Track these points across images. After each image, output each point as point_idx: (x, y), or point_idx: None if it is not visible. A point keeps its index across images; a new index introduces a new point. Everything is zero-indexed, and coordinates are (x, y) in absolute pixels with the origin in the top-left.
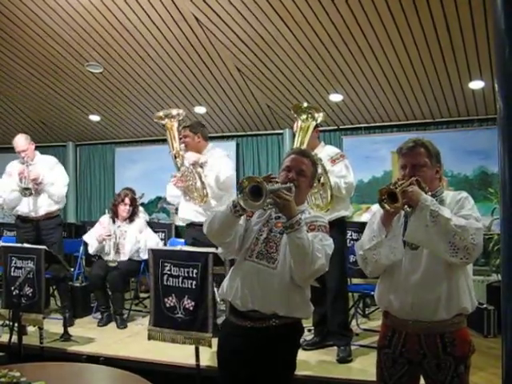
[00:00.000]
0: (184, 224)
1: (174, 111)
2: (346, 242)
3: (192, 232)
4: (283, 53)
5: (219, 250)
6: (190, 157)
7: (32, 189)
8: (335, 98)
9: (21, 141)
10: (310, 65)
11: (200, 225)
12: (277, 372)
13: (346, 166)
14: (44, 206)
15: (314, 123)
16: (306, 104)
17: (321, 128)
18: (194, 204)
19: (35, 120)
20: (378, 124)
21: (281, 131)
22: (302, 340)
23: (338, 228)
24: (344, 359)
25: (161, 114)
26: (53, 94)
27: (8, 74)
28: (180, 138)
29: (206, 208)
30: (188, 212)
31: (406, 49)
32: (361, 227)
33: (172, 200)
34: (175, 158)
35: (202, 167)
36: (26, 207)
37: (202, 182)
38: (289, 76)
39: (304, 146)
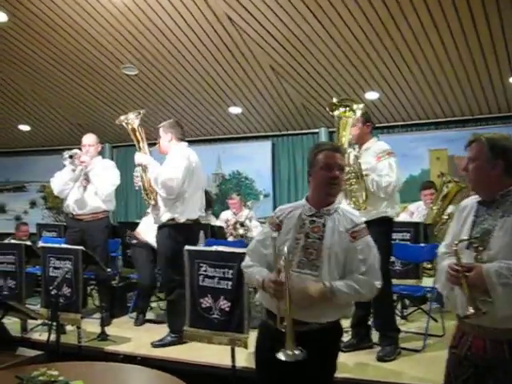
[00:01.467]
0: None
1: (132, 113)
2: (390, 242)
3: (156, 235)
4: (318, 51)
5: None
6: (137, 157)
7: (76, 161)
8: (371, 95)
9: (91, 137)
10: (344, 63)
11: (158, 228)
12: (317, 374)
13: (389, 165)
14: (90, 201)
15: (353, 116)
16: (335, 99)
17: None
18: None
19: (72, 122)
20: (415, 122)
21: (316, 130)
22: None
23: (380, 228)
24: (381, 358)
25: (122, 118)
26: (89, 96)
27: (46, 77)
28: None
29: (153, 210)
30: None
31: (443, 44)
32: (399, 227)
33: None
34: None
35: (146, 169)
36: (72, 199)
37: (146, 185)
38: (324, 74)
39: (345, 141)
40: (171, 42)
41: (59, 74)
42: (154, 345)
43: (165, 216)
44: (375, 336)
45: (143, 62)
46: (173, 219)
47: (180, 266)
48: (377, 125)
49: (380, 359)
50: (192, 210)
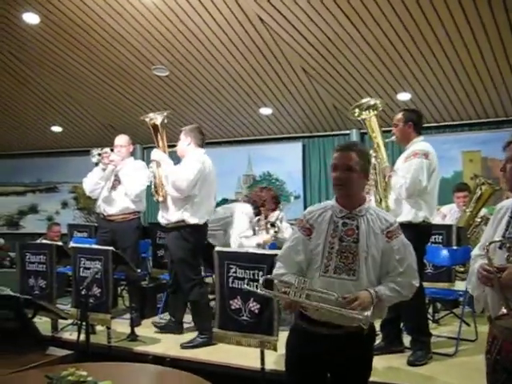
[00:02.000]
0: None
1: (158, 113)
2: (419, 247)
3: (166, 237)
4: (349, 52)
5: None
6: (153, 154)
7: (103, 159)
8: (403, 96)
9: (123, 137)
10: (377, 64)
11: (167, 230)
12: (353, 378)
13: (409, 166)
14: (119, 202)
15: (374, 114)
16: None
17: (388, 128)
18: (160, 204)
19: (104, 123)
20: (447, 123)
21: (347, 132)
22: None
23: (408, 231)
24: (412, 363)
25: (150, 115)
26: (120, 97)
27: (78, 79)
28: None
29: (163, 209)
30: (160, 214)
31: (477, 44)
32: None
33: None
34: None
35: (159, 166)
36: (103, 199)
37: (156, 180)
38: (355, 76)
39: (379, 141)
40: (202, 42)
41: (90, 75)
42: (183, 346)
43: (175, 216)
44: (407, 340)
45: (174, 63)
46: (182, 220)
47: (196, 265)
48: None
49: (411, 364)
50: (201, 214)
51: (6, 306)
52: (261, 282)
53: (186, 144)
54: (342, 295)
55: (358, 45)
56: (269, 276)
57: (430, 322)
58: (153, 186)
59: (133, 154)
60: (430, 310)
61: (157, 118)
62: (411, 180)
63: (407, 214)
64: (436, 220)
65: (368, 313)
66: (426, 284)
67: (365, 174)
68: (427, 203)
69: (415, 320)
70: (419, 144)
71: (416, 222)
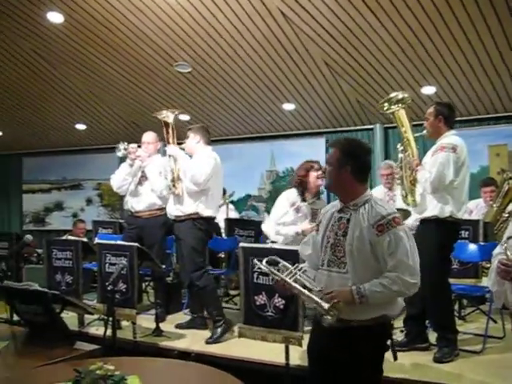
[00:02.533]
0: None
1: (170, 110)
2: (443, 242)
3: (175, 229)
4: (372, 45)
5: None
6: (169, 149)
7: (130, 155)
8: (428, 90)
9: (150, 134)
10: (400, 56)
11: (176, 221)
12: (359, 373)
13: (435, 159)
14: (146, 198)
15: (403, 107)
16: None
17: (412, 123)
18: (173, 197)
19: (127, 121)
20: (473, 117)
21: (371, 126)
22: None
23: (430, 227)
24: (438, 359)
25: (162, 111)
26: (143, 94)
27: (101, 76)
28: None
29: (178, 201)
30: (169, 207)
31: (505, 34)
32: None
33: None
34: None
35: (175, 161)
36: (130, 196)
37: (174, 174)
38: (379, 69)
39: (409, 134)
40: (224, 38)
41: (114, 73)
42: (208, 342)
43: (190, 208)
44: (433, 336)
45: (196, 60)
46: (196, 213)
47: (204, 254)
48: None
49: (437, 360)
50: (213, 207)
51: (35, 301)
52: (265, 260)
53: (195, 142)
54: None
55: (382, 38)
56: (273, 257)
57: (456, 318)
58: (169, 182)
59: (159, 151)
60: (456, 307)
61: (169, 116)
62: (436, 174)
63: (433, 208)
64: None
65: (326, 305)
66: (452, 280)
67: (341, 166)
68: (454, 198)
69: (440, 316)
70: (448, 138)
71: (442, 218)
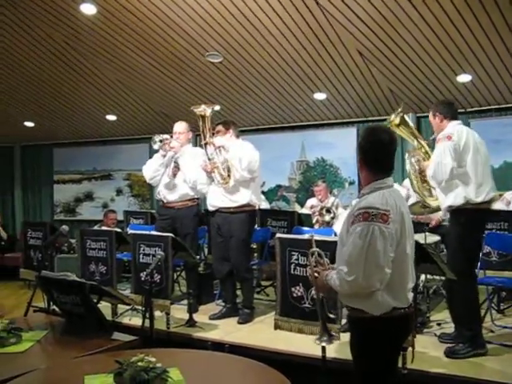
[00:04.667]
0: (211, 210)
1: (208, 105)
2: (465, 231)
3: (217, 219)
4: (407, 32)
5: None
6: (217, 140)
7: (166, 147)
8: (463, 78)
9: (182, 124)
10: (435, 44)
11: (224, 212)
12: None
13: (436, 150)
14: (179, 188)
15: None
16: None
17: None
18: (219, 189)
19: (157, 111)
20: (510, 105)
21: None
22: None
23: (452, 218)
24: (447, 353)
25: (199, 106)
26: (174, 84)
27: (132, 67)
28: (212, 133)
29: (230, 192)
30: (215, 198)
31: None
32: (494, 216)
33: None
34: (205, 145)
35: (227, 151)
36: (163, 186)
37: (227, 165)
38: (413, 57)
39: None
40: (256, 27)
41: (144, 63)
42: (240, 322)
43: (244, 198)
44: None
45: (228, 49)
46: (248, 204)
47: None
48: (468, 109)
49: (446, 354)
50: (258, 196)
51: (73, 292)
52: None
53: (228, 136)
54: None
55: (416, 24)
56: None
57: (494, 312)
58: (216, 174)
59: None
60: (495, 300)
61: (206, 111)
62: (433, 166)
63: (446, 199)
64: (499, 206)
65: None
66: (490, 273)
67: (364, 155)
68: (466, 183)
69: (460, 311)
70: (445, 130)
71: (457, 205)
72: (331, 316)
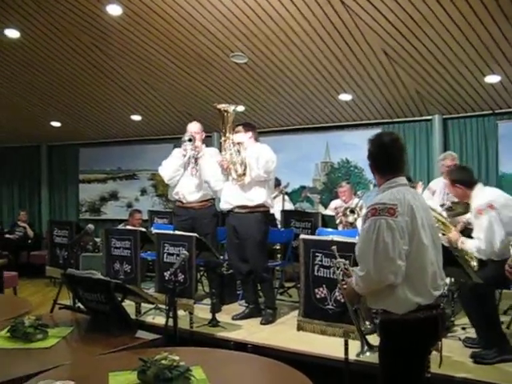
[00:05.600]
0: (225, 209)
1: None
2: None
3: (232, 220)
4: (434, 32)
5: None
6: (237, 137)
7: (191, 147)
8: (491, 79)
9: (197, 124)
10: (463, 43)
11: (238, 213)
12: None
13: (484, 222)
14: (198, 188)
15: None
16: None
17: (472, 113)
18: (234, 186)
19: (181, 111)
20: None
21: (429, 117)
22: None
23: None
24: (474, 357)
25: (223, 105)
26: (198, 85)
27: (157, 68)
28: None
29: (246, 190)
30: (230, 196)
31: None
32: None
33: (215, 185)
34: (224, 142)
35: (245, 149)
36: (182, 186)
37: (244, 162)
38: (440, 58)
39: None
40: (281, 28)
41: (169, 63)
42: (262, 323)
43: (259, 197)
44: None
45: (252, 50)
46: (263, 205)
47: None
48: (496, 111)
49: (474, 358)
50: (271, 198)
51: (98, 290)
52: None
53: (247, 137)
54: None
55: (443, 24)
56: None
57: None
58: (232, 172)
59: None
60: None
61: (229, 107)
62: (484, 244)
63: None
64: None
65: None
66: None
67: (373, 161)
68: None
69: (476, 314)
70: (478, 197)
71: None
72: (368, 326)
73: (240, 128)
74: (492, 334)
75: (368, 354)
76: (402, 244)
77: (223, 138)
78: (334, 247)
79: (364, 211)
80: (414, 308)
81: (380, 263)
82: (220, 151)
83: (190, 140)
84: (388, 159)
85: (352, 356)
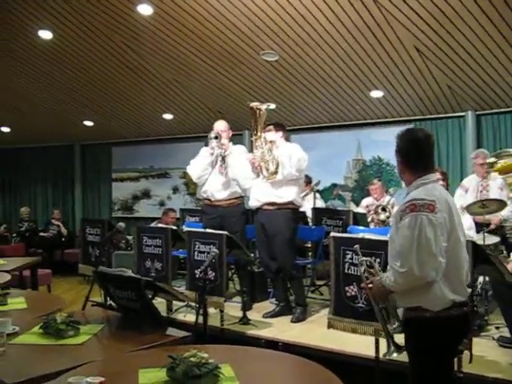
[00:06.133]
0: (254, 206)
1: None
2: None
3: (261, 217)
4: (466, 27)
5: None
6: (269, 136)
7: (217, 145)
8: None
9: (223, 123)
10: (497, 38)
11: (267, 210)
12: (410, 363)
13: None
14: (227, 186)
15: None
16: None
17: (507, 109)
18: (264, 184)
19: (212, 109)
20: None
21: (462, 113)
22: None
23: None
24: None
25: (256, 103)
26: (229, 83)
27: (188, 66)
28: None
29: (276, 187)
30: (260, 193)
31: None
32: None
33: (244, 184)
34: (256, 140)
35: (276, 148)
36: (211, 185)
37: (276, 160)
38: (472, 52)
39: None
40: (311, 25)
41: (200, 62)
42: (293, 321)
43: (290, 195)
44: None
45: (283, 47)
46: (292, 202)
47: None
48: None
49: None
50: (300, 197)
51: (129, 287)
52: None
53: (278, 136)
54: None
55: (477, 19)
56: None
57: None
58: (264, 170)
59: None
60: None
61: (262, 105)
62: None
63: None
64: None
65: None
66: None
67: (404, 157)
68: None
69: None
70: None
71: None
72: (395, 326)
73: (271, 127)
74: None
75: (395, 354)
76: (441, 241)
77: (255, 137)
78: (357, 246)
79: (396, 208)
80: (449, 305)
81: (422, 259)
82: (251, 149)
83: (216, 138)
84: (421, 155)
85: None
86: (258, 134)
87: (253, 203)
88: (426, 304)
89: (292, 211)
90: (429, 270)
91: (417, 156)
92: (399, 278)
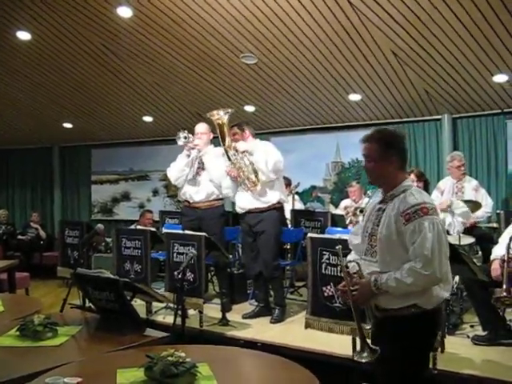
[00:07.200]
0: (241, 212)
1: (222, 110)
2: None
3: (248, 219)
4: (441, 32)
5: None
6: (241, 145)
7: (190, 145)
8: (499, 78)
9: (203, 125)
10: (470, 44)
11: (254, 212)
12: (395, 365)
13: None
14: (204, 187)
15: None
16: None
17: (481, 112)
18: (247, 192)
19: (192, 112)
20: None
21: (439, 117)
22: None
23: None
24: None
25: (214, 112)
26: (209, 86)
27: (168, 69)
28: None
29: (259, 194)
30: (244, 201)
31: None
32: None
33: (227, 192)
34: (226, 151)
35: (251, 155)
36: (188, 186)
37: (254, 168)
38: (447, 57)
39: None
40: (290, 28)
41: (180, 65)
42: (272, 322)
43: (274, 197)
44: None
45: (262, 50)
46: (279, 202)
47: None
48: (505, 110)
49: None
50: (283, 192)
51: (108, 288)
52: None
53: (246, 137)
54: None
55: (451, 24)
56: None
57: None
58: (244, 179)
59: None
60: None
61: (223, 118)
62: None
63: None
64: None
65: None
66: None
67: (385, 160)
68: None
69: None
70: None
71: None
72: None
73: (235, 129)
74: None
75: (366, 360)
76: None
77: (225, 147)
78: (339, 247)
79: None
80: (441, 302)
81: (442, 262)
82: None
83: (185, 137)
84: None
85: None
86: (227, 144)
87: (240, 211)
88: (422, 302)
89: (278, 211)
90: (445, 273)
91: (407, 156)
92: (420, 281)
